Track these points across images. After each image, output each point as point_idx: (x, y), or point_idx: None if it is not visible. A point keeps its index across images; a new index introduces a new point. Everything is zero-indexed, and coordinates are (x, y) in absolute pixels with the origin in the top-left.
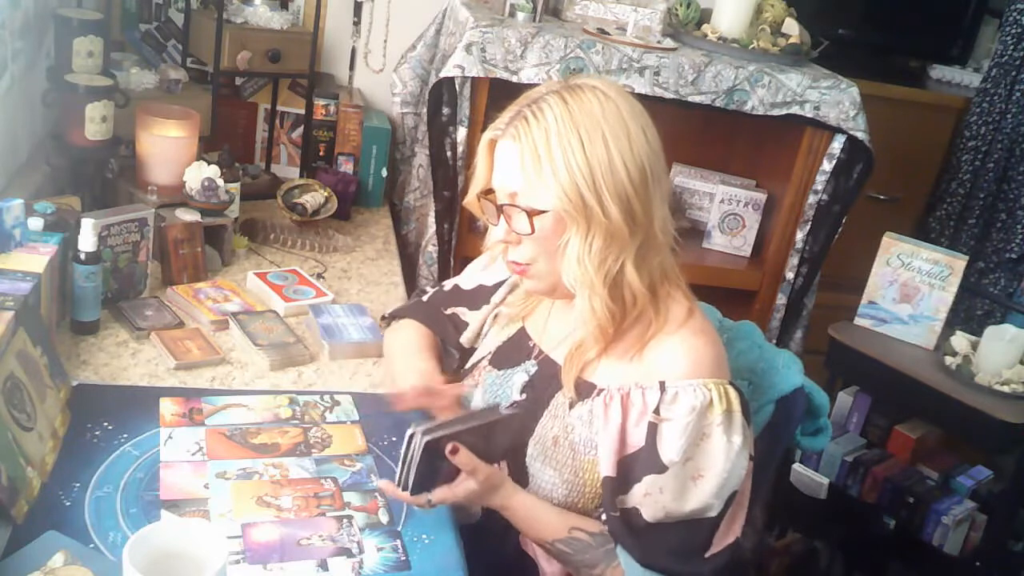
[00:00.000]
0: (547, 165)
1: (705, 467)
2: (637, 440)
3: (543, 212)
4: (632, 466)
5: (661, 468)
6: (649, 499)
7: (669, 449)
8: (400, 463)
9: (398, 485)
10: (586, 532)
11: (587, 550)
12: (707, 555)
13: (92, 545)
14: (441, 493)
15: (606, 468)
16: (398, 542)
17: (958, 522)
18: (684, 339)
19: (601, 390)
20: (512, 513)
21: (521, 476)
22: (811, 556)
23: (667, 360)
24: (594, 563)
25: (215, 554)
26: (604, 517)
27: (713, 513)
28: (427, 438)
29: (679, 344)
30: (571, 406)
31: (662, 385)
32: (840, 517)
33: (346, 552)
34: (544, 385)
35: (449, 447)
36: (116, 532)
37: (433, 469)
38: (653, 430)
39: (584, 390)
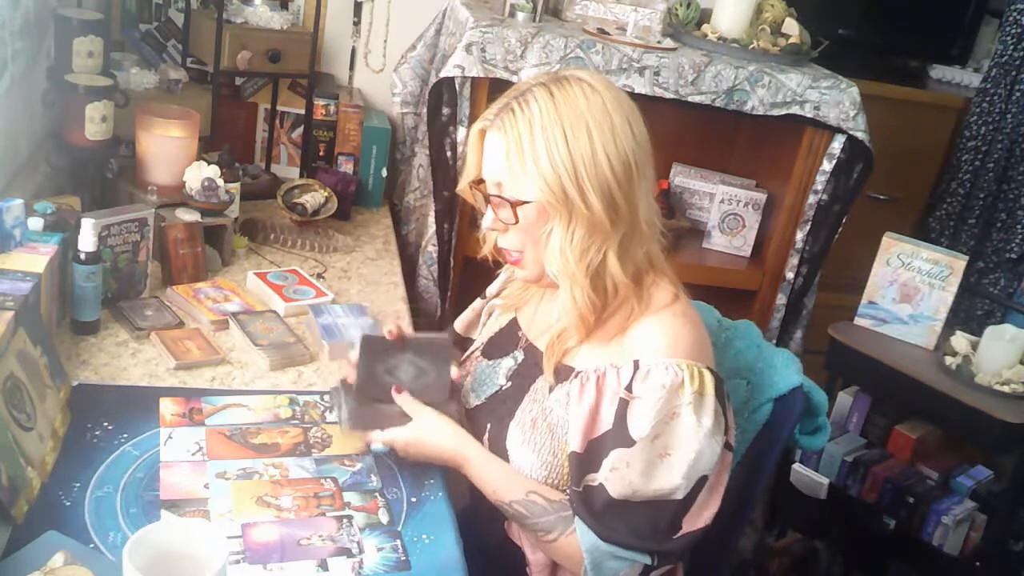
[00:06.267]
0: (530, 157)
1: (673, 446)
2: (607, 420)
3: (526, 203)
4: (602, 445)
5: (629, 443)
6: (615, 474)
7: (638, 425)
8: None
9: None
10: (543, 497)
11: (543, 514)
12: (674, 537)
13: (92, 545)
14: (389, 433)
15: (574, 443)
16: (398, 542)
17: (958, 522)
18: (663, 319)
19: (579, 372)
20: (471, 468)
21: (501, 459)
22: (811, 556)
23: (644, 339)
24: (549, 528)
25: (215, 554)
26: (568, 491)
27: (679, 496)
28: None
29: (657, 324)
30: (550, 390)
31: (636, 364)
32: (840, 517)
33: (346, 552)
34: (528, 372)
35: (394, 387)
36: (116, 532)
37: (377, 414)
38: (623, 407)
39: (563, 374)
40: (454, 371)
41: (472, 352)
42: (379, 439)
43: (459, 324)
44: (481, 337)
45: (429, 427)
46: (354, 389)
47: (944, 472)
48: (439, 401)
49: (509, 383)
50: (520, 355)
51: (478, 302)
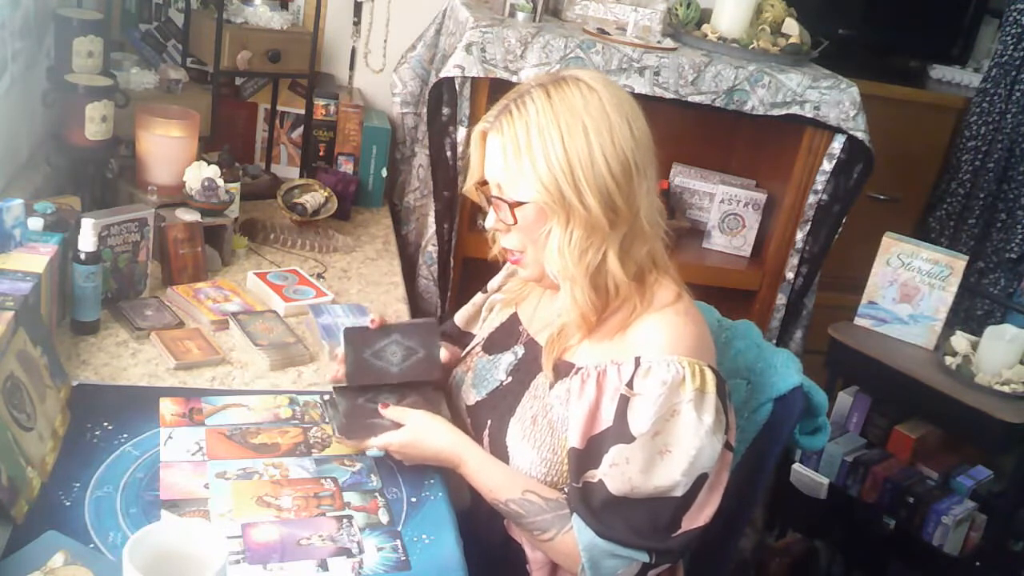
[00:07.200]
0: (526, 158)
1: (673, 443)
2: (608, 416)
3: (524, 203)
4: (602, 442)
5: (629, 439)
6: (615, 469)
7: (638, 421)
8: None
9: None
10: (540, 496)
11: (540, 513)
12: (673, 535)
13: (92, 545)
14: (384, 437)
15: (574, 440)
16: (398, 542)
17: (958, 522)
18: (665, 316)
19: (579, 369)
20: (467, 468)
21: (502, 455)
22: (811, 556)
23: (646, 336)
24: (546, 527)
25: (215, 554)
26: (567, 488)
27: (679, 493)
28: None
29: (659, 321)
30: (551, 386)
31: (637, 360)
32: (840, 517)
33: (346, 552)
34: (529, 368)
35: (380, 403)
36: (116, 532)
37: (369, 423)
38: (624, 403)
39: (564, 370)
40: (443, 352)
41: (473, 347)
42: (374, 444)
43: (459, 318)
44: (482, 332)
45: (424, 428)
46: (344, 379)
47: (944, 472)
48: (431, 379)
49: (509, 378)
50: (520, 350)
51: (479, 296)
